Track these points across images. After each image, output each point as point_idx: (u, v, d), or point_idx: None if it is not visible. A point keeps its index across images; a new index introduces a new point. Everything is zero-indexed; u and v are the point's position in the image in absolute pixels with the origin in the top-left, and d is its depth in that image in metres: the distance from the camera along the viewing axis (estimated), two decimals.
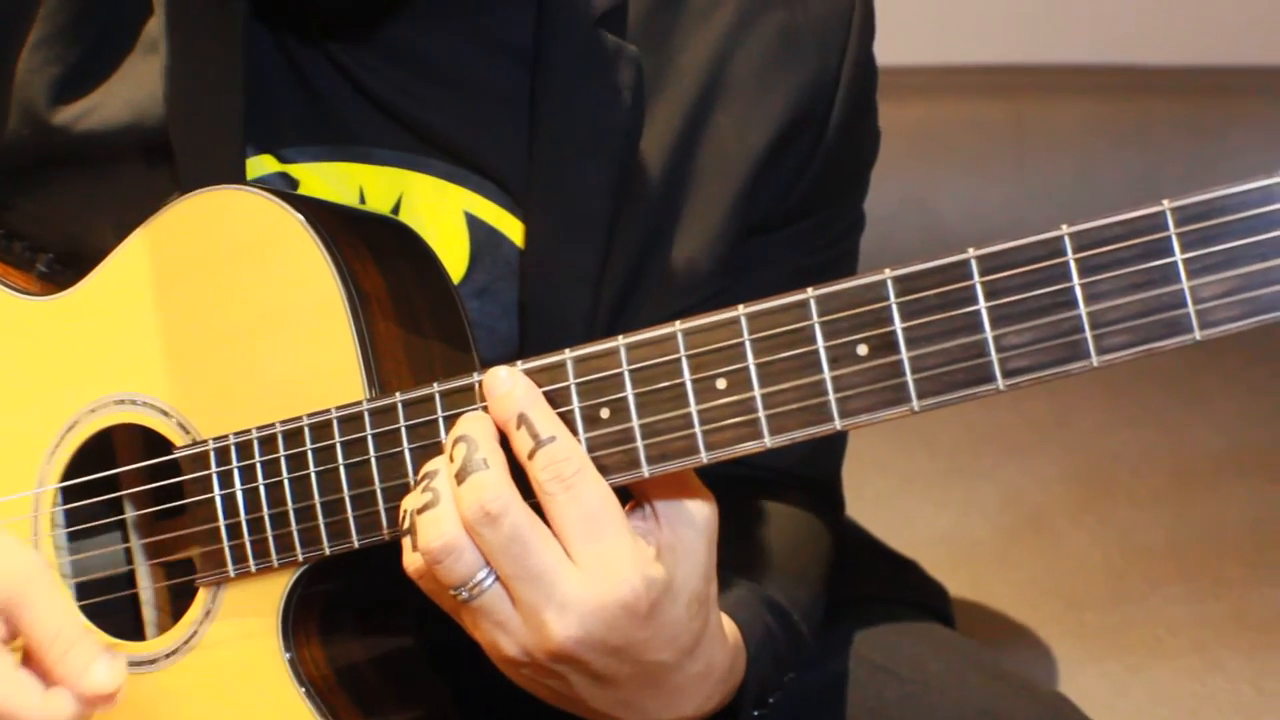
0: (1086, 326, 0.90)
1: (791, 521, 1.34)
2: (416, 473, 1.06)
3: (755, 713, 1.17)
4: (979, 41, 2.53)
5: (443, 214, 1.25)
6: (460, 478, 1.00)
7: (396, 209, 1.25)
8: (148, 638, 1.21)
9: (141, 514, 1.22)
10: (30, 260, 1.29)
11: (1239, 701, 1.71)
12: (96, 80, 1.25)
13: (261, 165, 1.25)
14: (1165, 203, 0.89)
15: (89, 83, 1.25)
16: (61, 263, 1.28)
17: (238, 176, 1.23)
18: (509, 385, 1.02)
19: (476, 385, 1.04)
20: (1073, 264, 0.90)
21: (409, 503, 1.03)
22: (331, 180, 1.25)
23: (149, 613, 1.24)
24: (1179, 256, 0.88)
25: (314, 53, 1.24)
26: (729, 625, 1.12)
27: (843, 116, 1.29)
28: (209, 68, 1.22)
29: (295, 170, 1.25)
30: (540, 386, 1.02)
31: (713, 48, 1.26)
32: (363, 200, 1.25)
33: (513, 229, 1.25)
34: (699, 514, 1.03)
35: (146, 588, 1.23)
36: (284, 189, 1.25)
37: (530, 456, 1.00)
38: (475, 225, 1.25)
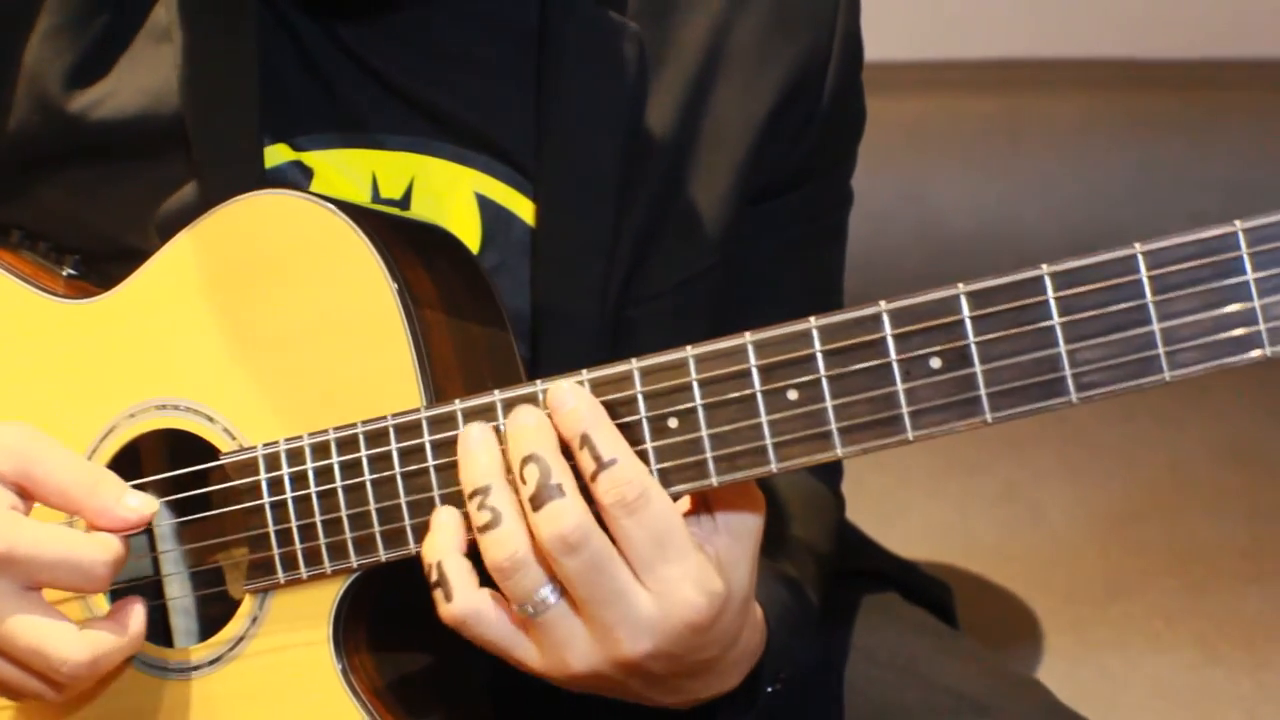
0: (1160, 343, 0.92)
1: (799, 492, 1.37)
2: None
3: (769, 688, 1.19)
4: (974, 36, 2.54)
5: (454, 196, 1.27)
6: (535, 503, 1.00)
7: (409, 193, 1.26)
8: (178, 645, 1.21)
9: (184, 521, 1.22)
10: (57, 260, 1.28)
11: (1238, 694, 1.74)
12: (108, 67, 1.24)
13: (276, 155, 1.25)
14: (1237, 223, 0.91)
15: (102, 68, 1.24)
16: (87, 263, 1.27)
17: (255, 166, 1.23)
18: (572, 402, 1.02)
19: (540, 394, 1.04)
20: (1146, 281, 0.92)
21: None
22: (344, 167, 1.26)
23: (180, 620, 1.23)
24: (1250, 276, 0.90)
25: (322, 38, 1.25)
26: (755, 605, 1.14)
27: (835, 87, 1.32)
28: (223, 56, 1.22)
29: (308, 158, 1.26)
30: (607, 396, 1.02)
31: (711, 23, 1.29)
32: (375, 186, 1.26)
33: (523, 208, 1.27)
34: (753, 519, 1.05)
35: (184, 595, 1.22)
36: (300, 180, 1.25)
37: (593, 479, 1.00)
38: (486, 205, 1.26)
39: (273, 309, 1.15)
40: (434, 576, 1.04)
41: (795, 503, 1.35)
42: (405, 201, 1.27)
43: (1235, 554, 1.94)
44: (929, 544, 1.97)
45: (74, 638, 1.06)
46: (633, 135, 1.26)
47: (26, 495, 1.09)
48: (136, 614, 1.10)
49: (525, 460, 1.01)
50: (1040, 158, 2.37)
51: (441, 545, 1.05)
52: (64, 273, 1.27)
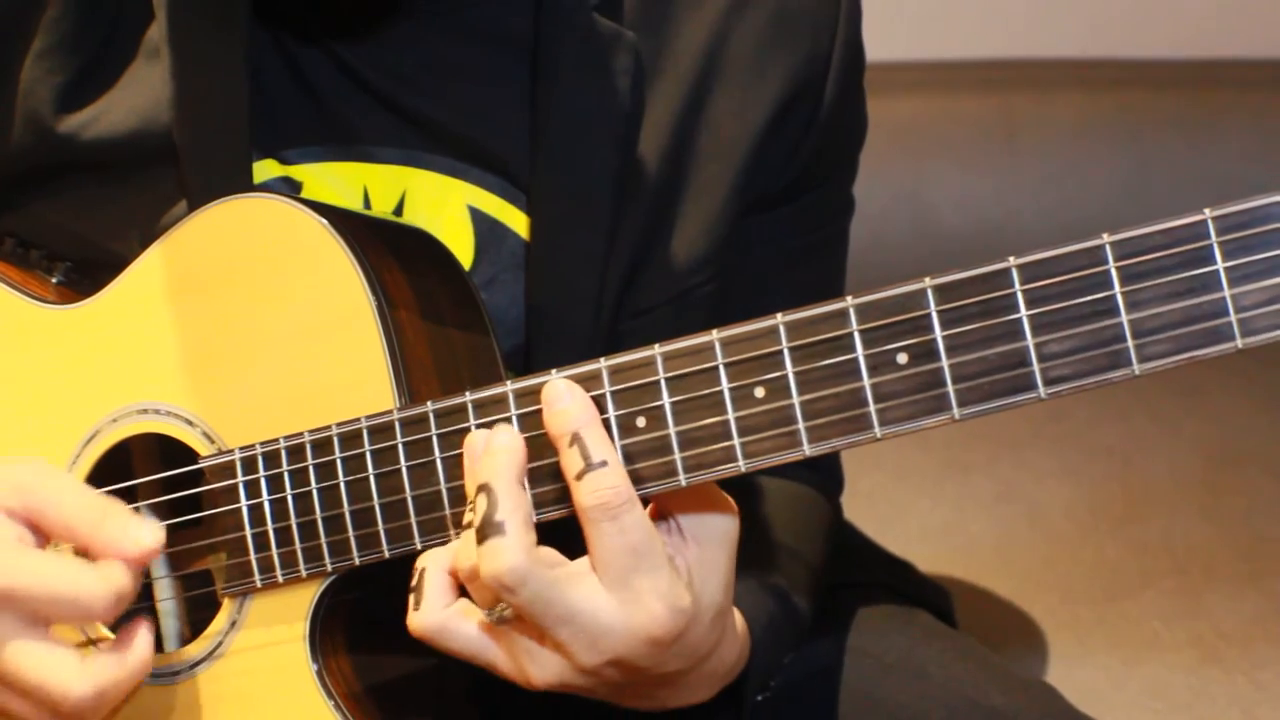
0: (1128, 335, 0.90)
1: (791, 497, 1.36)
2: (448, 482, 1.06)
3: (758, 697, 1.19)
4: (970, 37, 2.54)
5: (446, 209, 1.26)
6: (479, 537, 0.99)
7: (400, 207, 1.26)
8: (167, 649, 1.21)
9: (165, 525, 1.21)
10: (48, 268, 1.29)
11: (1235, 694, 1.72)
12: (101, 88, 1.24)
13: (264, 170, 1.25)
14: (1207, 211, 0.90)
15: (93, 90, 1.24)
16: (79, 271, 1.27)
17: (244, 181, 1.22)
18: (567, 401, 1.01)
19: (509, 394, 1.04)
20: (1114, 272, 0.91)
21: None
22: (334, 181, 1.25)
23: (169, 624, 1.23)
24: (1220, 265, 0.89)
25: (313, 52, 1.24)
26: (737, 616, 1.13)
27: (835, 95, 1.31)
28: (213, 72, 1.22)
29: (297, 172, 1.25)
30: None
31: (708, 31, 1.28)
32: (367, 199, 1.25)
33: (516, 220, 1.26)
34: (723, 527, 1.04)
35: (167, 599, 1.22)
36: (291, 194, 1.24)
37: (579, 478, 0.99)
38: (479, 219, 1.26)
39: (250, 311, 1.14)
40: (414, 581, 1.04)
41: (782, 506, 1.34)
42: (397, 214, 1.26)
43: (1233, 555, 1.92)
44: (926, 545, 1.96)
45: (76, 671, 1.05)
46: (628, 147, 1.24)
47: (37, 530, 1.08)
48: (140, 641, 1.09)
49: (479, 489, 1.00)
50: (1037, 157, 2.35)
51: (434, 554, 1.05)
52: (54, 280, 1.28)
